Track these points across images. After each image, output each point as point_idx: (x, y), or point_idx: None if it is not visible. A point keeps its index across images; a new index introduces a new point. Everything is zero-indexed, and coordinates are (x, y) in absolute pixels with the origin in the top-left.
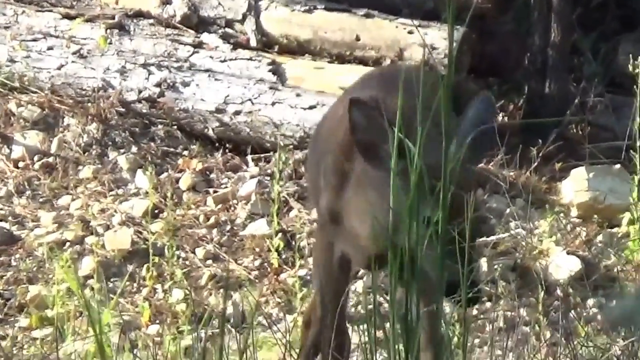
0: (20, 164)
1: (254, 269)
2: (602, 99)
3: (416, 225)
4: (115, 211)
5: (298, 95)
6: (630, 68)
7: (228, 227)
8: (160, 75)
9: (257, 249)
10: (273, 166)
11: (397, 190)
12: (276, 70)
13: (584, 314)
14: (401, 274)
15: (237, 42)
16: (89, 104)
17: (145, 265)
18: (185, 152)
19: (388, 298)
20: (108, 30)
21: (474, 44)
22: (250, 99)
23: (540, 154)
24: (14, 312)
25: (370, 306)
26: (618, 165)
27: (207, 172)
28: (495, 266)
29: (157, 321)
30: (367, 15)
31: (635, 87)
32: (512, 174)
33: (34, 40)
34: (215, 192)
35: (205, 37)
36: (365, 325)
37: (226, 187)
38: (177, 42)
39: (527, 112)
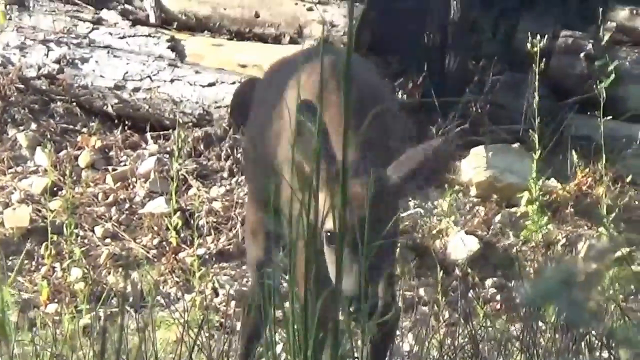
0: None
1: (153, 247)
2: (501, 77)
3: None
4: (14, 189)
5: (197, 72)
6: (529, 46)
7: (127, 206)
8: (59, 51)
9: (156, 228)
10: (172, 144)
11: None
12: (175, 47)
13: (483, 294)
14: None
15: (136, 18)
16: None
17: (44, 244)
18: (85, 130)
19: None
20: (7, 6)
21: (373, 21)
22: (149, 76)
23: (440, 132)
24: None
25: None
26: (517, 144)
27: (106, 150)
28: None
29: (56, 300)
30: None
31: (533, 65)
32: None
33: None
34: (114, 170)
35: (104, 13)
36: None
37: (125, 164)
38: (76, 19)
39: (427, 90)
